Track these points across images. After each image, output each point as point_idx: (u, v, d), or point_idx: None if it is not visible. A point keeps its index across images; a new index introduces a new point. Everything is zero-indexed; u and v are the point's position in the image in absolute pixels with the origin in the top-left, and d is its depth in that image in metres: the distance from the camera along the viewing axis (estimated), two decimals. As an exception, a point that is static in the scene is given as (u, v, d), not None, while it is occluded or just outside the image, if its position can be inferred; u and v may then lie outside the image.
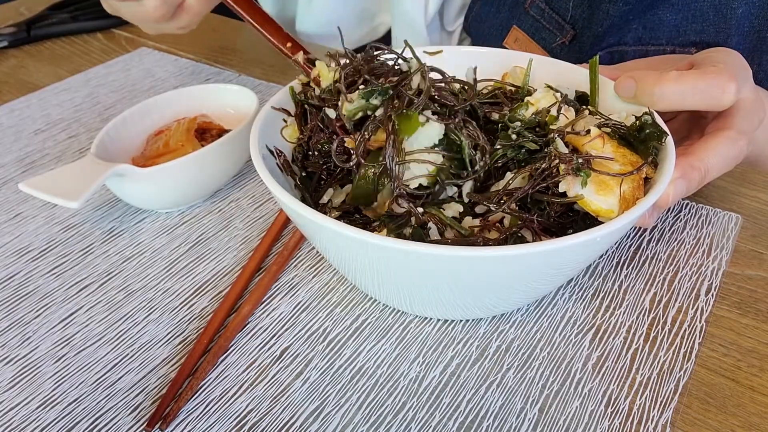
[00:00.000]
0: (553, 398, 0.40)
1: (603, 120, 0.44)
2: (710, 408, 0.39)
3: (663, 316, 0.45)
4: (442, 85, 0.44)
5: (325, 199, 0.45)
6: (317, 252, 0.51)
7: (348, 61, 0.46)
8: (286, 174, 0.46)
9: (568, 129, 0.43)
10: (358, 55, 0.46)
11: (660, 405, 0.39)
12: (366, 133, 0.42)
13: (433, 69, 0.45)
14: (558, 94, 0.47)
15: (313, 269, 0.50)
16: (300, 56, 0.49)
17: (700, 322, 0.45)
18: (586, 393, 0.40)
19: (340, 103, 0.43)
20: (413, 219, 0.40)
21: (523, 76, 0.51)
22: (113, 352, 0.43)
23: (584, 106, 0.47)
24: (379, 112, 0.42)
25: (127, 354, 0.43)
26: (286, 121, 0.48)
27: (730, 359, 0.42)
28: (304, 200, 0.45)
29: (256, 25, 0.51)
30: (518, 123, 0.44)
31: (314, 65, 0.47)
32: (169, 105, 0.62)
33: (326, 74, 0.46)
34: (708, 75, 0.45)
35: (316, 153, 0.46)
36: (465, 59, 0.55)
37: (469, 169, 0.42)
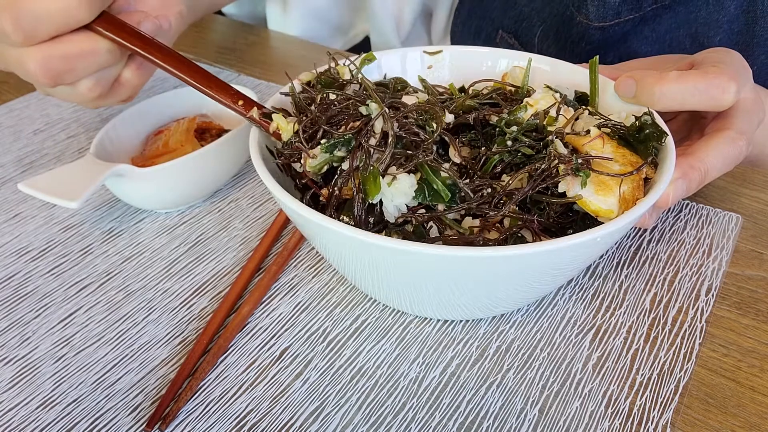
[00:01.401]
0: (553, 399, 0.40)
1: (603, 120, 0.44)
2: (710, 408, 0.39)
3: (663, 316, 0.45)
4: (409, 119, 0.42)
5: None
6: (317, 252, 0.51)
7: (304, 115, 0.44)
8: (285, 174, 0.46)
9: (568, 129, 0.43)
10: (312, 108, 0.45)
11: (660, 405, 0.39)
12: (336, 188, 0.41)
13: (392, 106, 0.43)
14: (557, 95, 0.47)
15: (313, 269, 0.50)
16: (254, 112, 0.46)
17: (700, 322, 0.44)
18: (586, 393, 0.40)
19: (302, 161, 0.42)
20: (413, 219, 0.40)
21: (522, 77, 0.51)
22: (113, 352, 0.43)
23: (583, 106, 0.47)
24: (345, 165, 0.41)
25: (127, 354, 0.43)
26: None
27: (731, 359, 0.42)
28: (303, 200, 0.45)
29: (201, 87, 0.48)
30: (515, 128, 0.44)
31: (271, 119, 0.46)
32: (168, 105, 0.62)
33: (285, 127, 0.45)
34: (709, 75, 0.45)
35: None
36: (465, 59, 0.55)
37: (457, 203, 0.40)
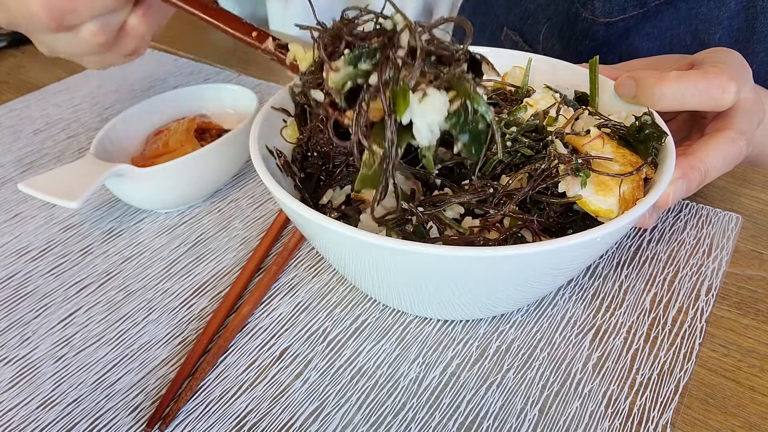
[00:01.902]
0: (553, 399, 0.40)
1: (603, 120, 0.44)
2: (710, 408, 0.39)
3: (663, 316, 0.45)
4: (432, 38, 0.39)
5: (324, 200, 0.45)
6: (317, 252, 0.51)
7: (323, 30, 0.40)
8: (285, 174, 0.46)
9: (567, 129, 0.43)
10: (335, 20, 0.40)
11: (660, 405, 0.39)
12: (363, 103, 0.37)
13: (418, 23, 0.39)
14: (557, 95, 0.47)
15: (313, 269, 0.50)
16: (269, 43, 0.44)
17: (700, 322, 0.44)
18: (586, 393, 0.40)
19: (324, 74, 0.38)
20: (414, 219, 0.40)
21: (522, 77, 0.51)
22: (113, 352, 0.43)
23: (583, 107, 0.47)
24: (372, 79, 0.37)
25: (127, 354, 0.43)
26: (285, 122, 0.48)
27: (731, 359, 0.42)
28: (303, 201, 0.45)
29: (213, 21, 0.45)
30: (514, 129, 0.44)
31: (287, 50, 0.43)
32: (168, 105, 0.62)
33: (303, 55, 0.42)
34: (708, 75, 0.45)
35: (315, 154, 0.46)
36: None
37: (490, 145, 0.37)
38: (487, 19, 0.80)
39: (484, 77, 0.51)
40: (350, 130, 0.37)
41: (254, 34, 0.45)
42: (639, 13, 0.66)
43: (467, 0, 0.86)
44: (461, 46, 0.38)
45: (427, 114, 0.36)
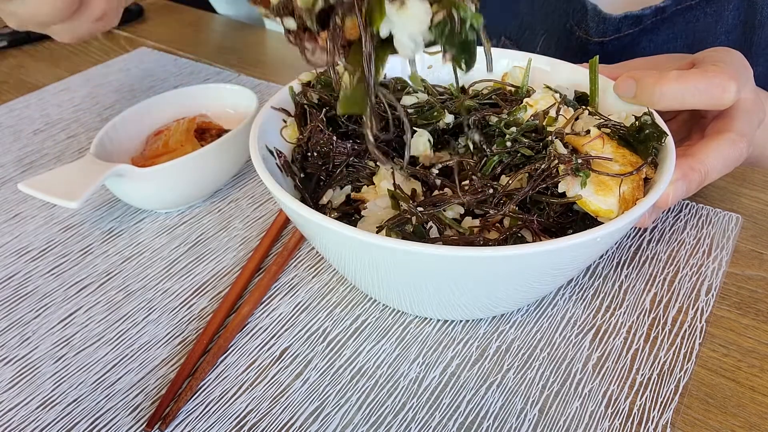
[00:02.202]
0: (553, 399, 0.40)
1: (603, 120, 0.44)
2: (710, 408, 0.39)
3: (663, 316, 0.45)
4: None
5: (324, 200, 0.45)
6: (317, 252, 0.51)
7: None
8: (285, 174, 0.46)
9: (567, 129, 0.43)
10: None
11: (660, 405, 0.39)
12: (337, 18, 0.34)
13: None
14: (557, 95, 0.47)
15: (313, 269, 0.50)
16: None
17: (700, 322, 0.44)
18: (586, 393, 0.40)
19: None
20: (413, 219, 0.40)
21: (522, 77, 0.51)
22: (113, 352, 0.43)
23: (583, 107, 0.47)
24: None
25: (127, 354, 0.43)
26: (285, 122, 0.48)
27: (731, 359, 0.42)
28: (303, 201, 0.45)
29: None
30: (514, 129, 0.44)
31: None
32: (168, 105, 0.62)
33: None
34: (708, 74, 0.45)
35: (315, 154, 0.46)
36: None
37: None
38: (485, 27, 0.80)
39: (482, 78, 0.51)
40: (326, 54, 0.35)
41: None
42: (635, 31, 0.66)
43: None
44: None
45: (407, 23, 0.33)
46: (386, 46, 0.35)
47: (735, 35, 0.63)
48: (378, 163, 0.45)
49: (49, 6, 0.46)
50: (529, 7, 0.75)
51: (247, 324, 0.45)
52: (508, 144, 0.43)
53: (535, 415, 0.39)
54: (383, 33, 0.34)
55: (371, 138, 0.36)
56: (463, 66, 0.35)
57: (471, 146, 0.45)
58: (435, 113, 0.47)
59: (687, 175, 0.44)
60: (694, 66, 0.49)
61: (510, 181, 0.41)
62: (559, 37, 0.72)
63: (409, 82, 0.52)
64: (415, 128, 0.43)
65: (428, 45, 0.35)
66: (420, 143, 0.45)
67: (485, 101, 0.49)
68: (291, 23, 0.36)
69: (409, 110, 0.47)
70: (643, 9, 0.64)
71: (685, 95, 0.45)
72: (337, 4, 0.34)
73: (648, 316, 0.45)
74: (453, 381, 0.41)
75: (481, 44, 0.35)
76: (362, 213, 0.43)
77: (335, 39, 0.35)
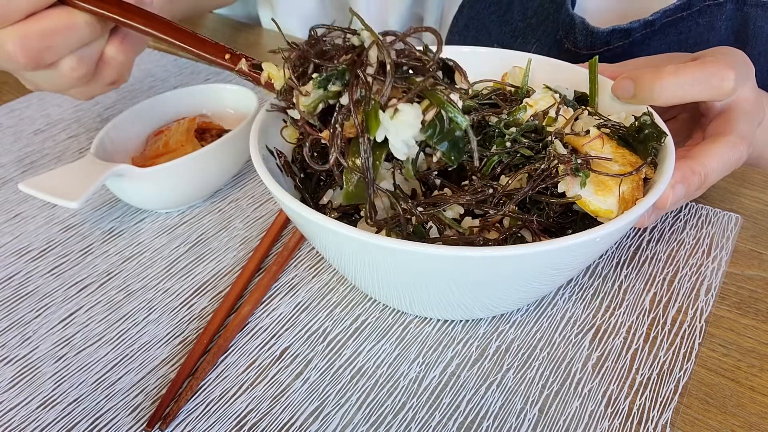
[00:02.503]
0: (553, 398, 0.40)
1: (602, 120, 0.44)
2: (710, 408, 0.39)
3: (663, 316, 0.45)
4: (403, 48, 0.39)
5: (324, 200, 0.45)
6: (317, 252, 0.51)
7: (290, 52, 0.40)
8: (285, 174, 0.46)
9: (567, 129, 0.43)
10: (301, 41, 0.41)
11: (660, 405, 0.39)
12: (337, 125, 0.37)
13: (387, 33, 0.39)
14: (557, 95, 0.47)
15: (313, 269, 0.50)
16: (243, 64, 0.44)
17: (699, 322, 0.45)
18: (586, 393, 0.40)
19: (295, 100, 0.39)
20: (413, 219, 0.40)
21: (522, 77, 0.51)
22: (113, 352, 0.43)
23: (582, 107, 0.47)
24: (344, 100, 0.37)
25: (127, 354, 0.43)
26: (285, 122, 0.48)
27: (730, 359, 0.42)
28: (303, 201, 0.45)
29: (186, 45, 0.46)
30: (514, 129, 0.44)
31: (261, 69, 0.44)
32: (169, 105, 0.62)
33: (276, 74, 0.42)
34: (706, 65, 0.45)
35: (315, 154, 0.46)
36: (464, 59, 0.55)
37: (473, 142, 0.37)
38: (479, 35, 0.80)
39: (482, 78, 0.51)
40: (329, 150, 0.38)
41: (227, 56, 0.46)
42: (624, 43, 0.66)
43: (459, 15, 0.86)
44: (433, 54, 0.38)
45: (401, 130, 0.36)
46: (382, 144, 0.37)
47: (728, 46, 0.63)
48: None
49: (64, 79, 0.49)
50: (522, 14, 0.75)
51: (248, 324, 0.45)
52: (508, 144, 0.43)
53: (534, 414, 0.39)
54: (379, 138, 0.36)
55: (370, 222, 0.40)
56: (453, 161, 0.37)
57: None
58: None
59: (686, 177, 0.44)
60: None
61: (510, 181, 0.41)
62: (551, 47, 0.72)
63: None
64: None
65: (419, 144, 0.38)
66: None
67: (485, 101, 0.49)
68: (295, 114, 0.40)
69: None
70: (632, 23, 0.64)
71: (684, 87, 0.45)
72: (337, 110, 0.37)
73: (648, 316, 0.45)
74: (453, 381, 0.41)
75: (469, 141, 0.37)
76: (362, 213, 0.43)
77: (335, 138, 0.37)
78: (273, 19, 0.52)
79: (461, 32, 0.84)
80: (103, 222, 0.55)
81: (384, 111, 0.36)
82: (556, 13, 0.71)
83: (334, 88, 0.38)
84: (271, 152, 0.46)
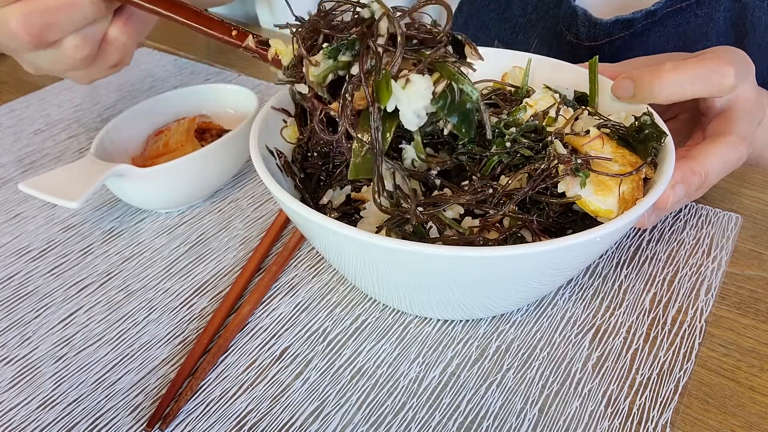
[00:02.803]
0: (553, 398, 0.40)
1: (602, 120, 0.44)
2: (710, 408, 0.39)
3: (663, 316, 0.45)
4: (412, 22, 0.39)
5: (324, 200, 0.45)
6: (317, 252, 0.51)
7: (301, 24, 0.40)
8: (285, 174, 0.46)
9: (567, 129, 0.43)
10: (311, 13, 0.41)
11: (660, 405, 0.39)
12: (347, 95, 0.37)
13: (397, 8, 0.38)
14: (557, 95, 0.47)
15: (313, 269, 0.50)
16: (250, 41, 0.44)
17: (699, 322, 0.45)
18: (586, 393, 0.40)
19: (304, 70, 0.38)
20: (413, 219, 0.40)
21: (522, 77, 0.51)
22: (113, 352, 0.43)
23: (582, 107, 0.47)
24: (354, 70, 0.37)
25: (127, 354, 0.43)
26: (285, 122, 0.48)
27: (730, 359, 0.42)
28: (303, 201, 0.45)
29: (193, 23, 0.45)
30: (513, 130, 0.44)
31: (268, 46, 0.43)
32: (169, 105, 0.62)
33: (284, 50, 0.42)
34: (705, 62, 0.45)
35: (315, 154, 0.46)
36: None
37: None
38: (479, 32, 0.80)
39: (482, 78, 0.51)
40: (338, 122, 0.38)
41: (234, 33, 0.45)
42: (626, 35, 0.66)
43: (459, 13, 0.86)
44: (443, 27, 0.38)
45: (412, 100, 0.36)
46: (392, 117, 0.37)
47: (727, 37, 0.63)
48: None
49: (67, 59, 0.48)
50: (522, 10, 0.75)
51: (248, 324, 0.45)
52: (508, 144, 0.43)
53: (534, 414, 0.39)
54: (390, 108, 0.36)
55: (379, 202, 0.38)
56: (464, 133, 0.37)
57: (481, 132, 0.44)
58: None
59: (687, 178, 0.44)
60: None
61: (510, 181, 0.41)
62: (551, 42, 0.73)
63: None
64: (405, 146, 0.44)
65: (430, 116, 0.38)
66: (408, 158, 0.45)
67: (485, 101, 0.49)
68: (303, 88, 0.39)
69: None
70: (634, 13, 0.64)
71: (684, 84, 0.45)
72: (347, 80, 0.37)
73: (648, 316, 0.45)
74: (453, 381, 0.41)
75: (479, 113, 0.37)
76: (361, 213, 0.43)
77: (345, 110, 0.37)
78: None
79: (461, 29, 0.84)
80: (103, 222, 0.55)
81: (396, 81, 0.36)
82: (557, 7, 0.71)
83: (344, 58, 0.38)
84: (271, 152, 0.46)
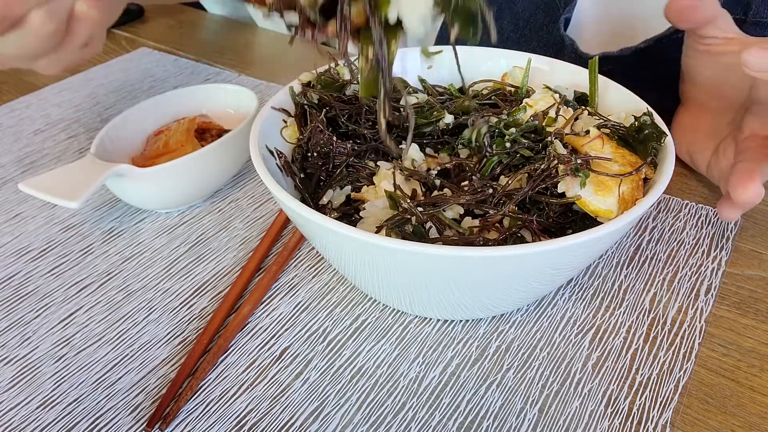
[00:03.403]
0: (552, 398, 0.40)
1: (602, 120, 0.44)
2: (710, 408, 0.39)
3: (663, 316, 0.45)
4: None
5: (324, 200, 0.45)
6: (317, 252, 0.51)
7: None
8: (285, 174, 0.46)
9: (567, 130, 0.43)
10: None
11: (660, 405, 0.39)
12: (345, 6, 0.34)
13: None
14: (557, 96, 0.47)
15: (313, 269, 0.50)
16: None
17: (699, 322, 0.45)
18: (586, 393, 0.40)
19: None
20: (413, 219, 0.40)
21: (522, 77, 0.51)
22: (113, 352, 0.43)
23: (582, 107, 0.47)
24: None
25: (127, 354, 0.43)
26: (285, 122, 0.48)
27: (730, 359, 0.42)
28: (303, 201, 0.45)
29: None
30: (513, 130, 0.44)
31: None
32: (168, 105, 0.62)
33: None
34: None
35: (315, 154, 0.46)
36: (465, 59, 0.55)
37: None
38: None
39: (482, 78, 0.51)
40: (337, 44, 0.35)
41: None
42: (615, 67, 0.64)
43: None
44: None
45: (415, 4, 0.34)
46: (394, 28, 0.35)
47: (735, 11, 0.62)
48: (378, 163, 0.45)
49: (34, 39, 0.45)
50: (513, 25, 0.74)
51: (248, 324, 0.45)
52: (508, 145, 0.43)
53: (534, 414, 0.39)
54: (392, 18, 0.34)
55: (384, 124, 0.36)
56: (471, 36, 0.35)
57: (474, 139, 0.44)
58: (435, 113, 0.47)
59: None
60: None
61: (509, 182, 0.41)
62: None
63: (408, 82, 0.52)
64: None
65: (433, 21, 0.35)
66: (411, 156, 0.45)
67: (485, 102, 0.49)
68: (293, 18, 0.36)
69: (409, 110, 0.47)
70: (623, 49, 0.63)
71: None
72: None
73: (647, 316, 0.45)
74: (453, 381, 0.41)
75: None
76: (361, 213, 0.43)
77: (344, 27, 0.35)
78: None
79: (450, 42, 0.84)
80: (103, 222, 0.56)
81: None
82: (547, 34, 0.70)
83: None
84: (271, 152, 0.46)
